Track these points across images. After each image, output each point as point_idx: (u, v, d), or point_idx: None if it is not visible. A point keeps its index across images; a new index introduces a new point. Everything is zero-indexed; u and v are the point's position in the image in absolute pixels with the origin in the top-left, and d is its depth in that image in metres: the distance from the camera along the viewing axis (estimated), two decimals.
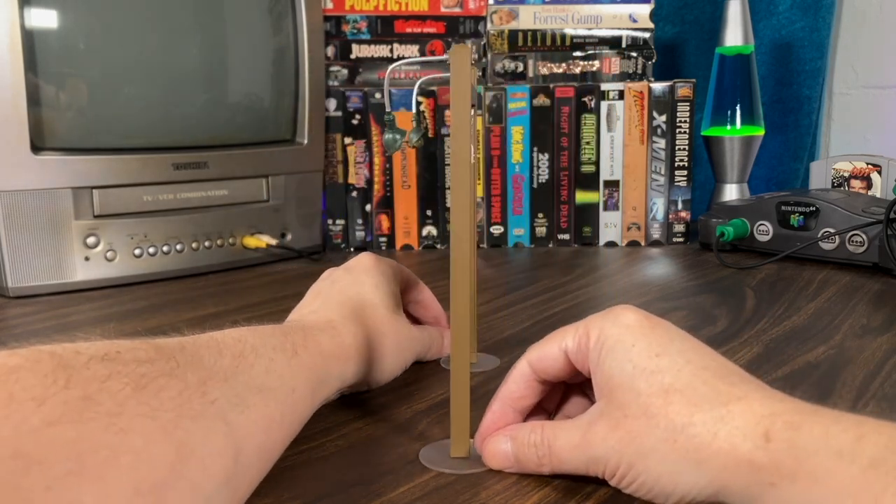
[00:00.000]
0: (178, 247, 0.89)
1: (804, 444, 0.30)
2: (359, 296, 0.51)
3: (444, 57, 0.42)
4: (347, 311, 0.49)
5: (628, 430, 0.34)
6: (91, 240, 0.83)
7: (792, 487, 0.30)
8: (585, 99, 1.05)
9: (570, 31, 1.09)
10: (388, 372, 0.51)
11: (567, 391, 0.43)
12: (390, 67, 0.61)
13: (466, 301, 0.40)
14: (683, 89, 1.05)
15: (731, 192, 1.14)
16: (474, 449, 0.42)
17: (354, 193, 1.05)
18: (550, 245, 1.08)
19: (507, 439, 0.39)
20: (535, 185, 1.07)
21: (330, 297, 0.51)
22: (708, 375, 0.34)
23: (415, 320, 0.59)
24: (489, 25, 1.09)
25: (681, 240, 1.08)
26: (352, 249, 1.06)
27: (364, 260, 0.54)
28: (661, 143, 1.06)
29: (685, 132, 1.05)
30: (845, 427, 0.30)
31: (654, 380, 0.35)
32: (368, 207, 1.06)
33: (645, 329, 0.37)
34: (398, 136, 0.55)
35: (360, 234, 1.06)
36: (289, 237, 0.99)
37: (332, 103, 1.04)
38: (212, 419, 0.32)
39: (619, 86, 1.05)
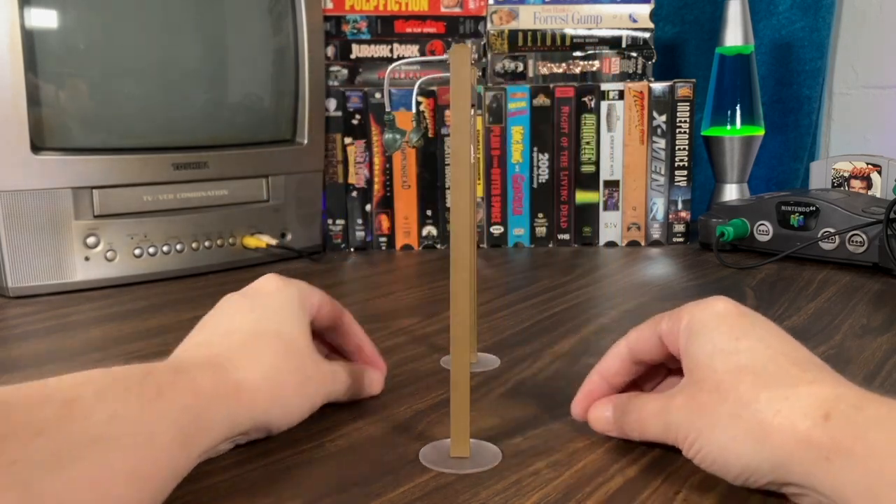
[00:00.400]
0: (178, 247, 0.89)
1: (864, 422, 0.31)
2: (255, 325, 0.43)
3: (444, 57, 0.43)
4: (239, 343, 0.42)
5: (701, 402, 0.37)
6: (91, 240, 0.83)
7: (848, 462, 0.31)
8: (585, 99, 1.05)
9: (570, 31, 1.09)
10: (290, 415, 0.43)
11: (666, 375, 0.45)
12: (390, 67, 0.61)
13: (466, 301, 0.40)
14: (683, 89, 1.05)
15: (731, 192, 1.14)
16: (474, 448, 0.42)
17: (354, 193, 1.05)
18: (550, 245, 1.08)
19: (610, 406, 0.43)
20: (535, 185, 1.07)
21: (218, 327, 0.44)
22: (783, 360, 0.36)
23: (334, 350, 0.52)
24: (489, 25, 1.09)
25: (681, 240, 1.08)
26: (352, 249, 1.06)
27: (266, 283, 0.47)
28: (661, 143, 1.06)
29: (685, 132, 1.05)
30: None
31: (731, 360, 0.37)
32: (368, 207, 1.06)
33: (732, 316, 0.39)
34: (398, 136, 0.55)
35: (360, 234, 1.06)
36: (289, 237, 0.99)
37: (332, 103, 1.04)
38: (3, 486, 0.27)
39: (619, 86, 1.05)
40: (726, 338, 0.38)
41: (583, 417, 0.44)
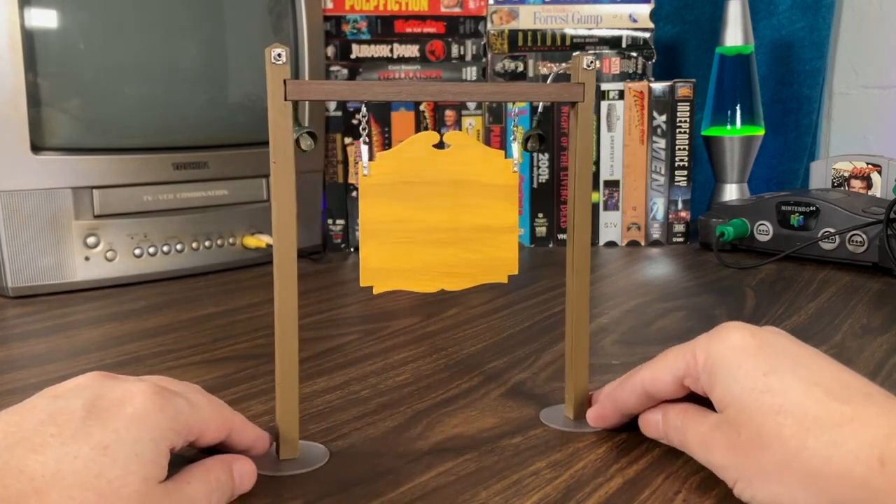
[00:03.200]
0: (178, 247, 0.89)
1: None
2: (81, 470, 0.30)
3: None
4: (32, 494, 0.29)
5: (745, 452, 0.35)
6: (91, 240, 0.83)
7: None
8: None
9: (570, 31, 1.09)
10: None
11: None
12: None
13: (289, 305, 0.40)
14: (683, 89, 1.05)
15: (731, 192, 1.14)
16: (301, 451, 0.41)
17: (354, 193, 1.05)
18: (550, 245, 1.08)
19: (660, 414, 0.41)
20: (535, 185, 1.07)
21: (13, 455, 0.29)
22: (819, 393, 0.34)
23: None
24: (489, 25, 1.09)
25: (681, 240, 1.08)
26: (352, 249, 1.06)
27: (132, 398, 0.33)
28: (661, 143, 1.06)
29: (685, 132, 1.05)
30: None
31: (764, 399, 0.35)
32: None
33: (751, 348, 0.37)
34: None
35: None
36: None
37: (332, 103, 1.04)
38: None
39: (619, 86, 1.05)
40: (752, 374, 0.36)
41: (597, 425, 0.44)
